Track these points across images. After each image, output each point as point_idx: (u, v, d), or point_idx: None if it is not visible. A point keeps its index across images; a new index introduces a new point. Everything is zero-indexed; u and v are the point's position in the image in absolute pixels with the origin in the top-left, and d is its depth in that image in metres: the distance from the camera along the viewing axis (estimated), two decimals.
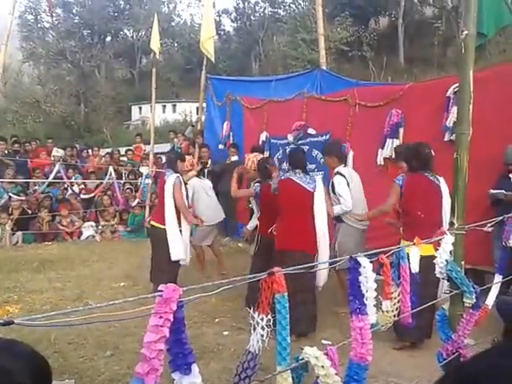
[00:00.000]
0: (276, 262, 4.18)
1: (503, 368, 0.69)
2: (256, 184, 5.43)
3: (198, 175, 6.59)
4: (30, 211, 8.74)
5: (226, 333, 4.42)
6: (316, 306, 4.46)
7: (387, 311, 2.49)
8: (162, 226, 5.43)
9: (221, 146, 8.72)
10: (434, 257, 2.67)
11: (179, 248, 5.39)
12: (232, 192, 5.69)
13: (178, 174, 5.54)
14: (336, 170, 5.03)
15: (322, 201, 4.53)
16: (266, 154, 7.72)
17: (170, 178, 5.46)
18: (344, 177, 4.93)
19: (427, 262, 2.81)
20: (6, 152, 9.51)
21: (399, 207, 4.34)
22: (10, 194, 8.72)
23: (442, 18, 28.71)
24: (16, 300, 5.24)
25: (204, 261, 6.46)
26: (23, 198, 8.82)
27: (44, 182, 9.41)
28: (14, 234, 8.34)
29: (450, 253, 2.58)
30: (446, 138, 5.36)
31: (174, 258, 5.36)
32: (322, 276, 4.43)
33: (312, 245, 4.45)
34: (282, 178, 4.70)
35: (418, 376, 3.41)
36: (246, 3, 41.98)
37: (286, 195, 4.55)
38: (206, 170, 7.68)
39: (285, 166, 7.57)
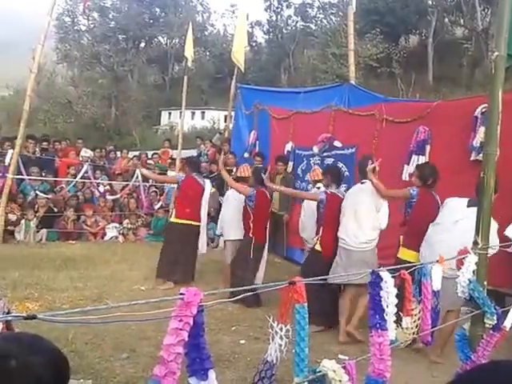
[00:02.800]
0: (324, 266, 4.72)
1: (502, 374, 0.73)
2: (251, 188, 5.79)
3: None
4: (55, 209, 8.90)
5: (242, 341, 4.39)
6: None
7: (407, 328, 2.46)
8: (197, 223, 6.25)
9: (246, 155, 8.79)
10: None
11: (204, 242, 6.47)
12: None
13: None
14: None
15: None
16: (291, 164, 7.76)
17: (207, 183, 6.55)
18: None
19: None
20: (36, 149, 9.71)
21: (406, 216, 4.62)
22: (37, 192, 8.89)
23: (471, 39, 28.64)
24: (36, 297, 5.29)
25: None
26: (49, 196, 8.99)
27: (71, 181, 9.58)
28: (38, 232, 8.48)
29: (473, 272, 2.54)
30: (472, 158, 5.32)
31: (202, 251, 6.35)
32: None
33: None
34: (329, 192, 5.06)
35: None
36: (279, 16, 42.59)
37: (334, 208, 4.92)
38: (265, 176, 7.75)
39: (308, 177, 7.61)
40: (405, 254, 4.49)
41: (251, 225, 5.63)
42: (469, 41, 28.43)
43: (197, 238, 6.29)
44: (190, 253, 6.23)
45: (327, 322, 4.75)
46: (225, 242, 6.35)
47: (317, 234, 5.14)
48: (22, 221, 8.41)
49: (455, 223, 4.14)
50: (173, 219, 6.48)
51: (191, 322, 1.55)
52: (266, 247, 5.92)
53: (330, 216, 4.96)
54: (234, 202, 6.07)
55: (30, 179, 8.96)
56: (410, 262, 3.61)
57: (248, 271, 5.55)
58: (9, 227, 8.24)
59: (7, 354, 0.93)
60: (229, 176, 6.25)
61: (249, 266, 5.59)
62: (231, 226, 6.08)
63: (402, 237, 4.60)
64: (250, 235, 5.64)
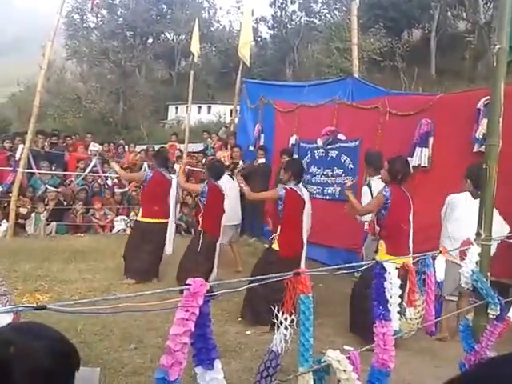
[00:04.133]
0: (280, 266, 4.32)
1: (505, 374, 0.72)
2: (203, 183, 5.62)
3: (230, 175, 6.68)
4: (65, 203, 8.99)
5: (248, 332, 4.44)
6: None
7: (411, 318, 2.49)
8: (165, 220, 6.06)
9: (251, 148, 8.82)
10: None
11: (171, 241, 6.17)
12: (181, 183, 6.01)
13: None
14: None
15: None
16: (295, 157, 7.78)
17: (174, 178, 6.26)
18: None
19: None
20: (46, 144, 9.81)
21: (381, 219, 4.28)
22: (47, 186, 9.00)
23: (474, 33, 28.58)
24: (46, 289, 5.37)
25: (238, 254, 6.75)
26: (59, 189, 9.09)
27: (80, 175, 9.67)
28: (48, 225, 8.58)
29: (476, 263, 2.56)
30: (475, 149, 5.36)
31: (168, 251, 6.09)
32: None
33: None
34: (288, 188, 4.73)
35: None
36: (284, 12, 42.56)
37: (293, 205, 4.68)
38: (236, 171, 7.78)
39: (312, 169, 7.61)
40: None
41: (200, 219, 5.47)
42: (471, 34, 28.41)
43: (164, 235, 6.07)
44: (156, 251, 6.00)
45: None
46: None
47: (274, 231, 4.91)
48: (33, 214, 8.51)
49: (472, 216, 4.23)
50: (139, 218, 6.17)
51: (197, 313, 1.57)
52: (219, 244, 5.65)
53: (288, 213, 4.67)
54: (230, 191, 6.21)
55: (40, 173, 9.07)
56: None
57: (197, 265, 5.33)
58: (19, 220, 8.34)
59: (7, 341, 0.95)
60: (183, 178, 6.06)
61: (197, 261, 5.39)
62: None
63: (381, 242, 4.25)
64: (199, 229, 5.49)
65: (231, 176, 6.62)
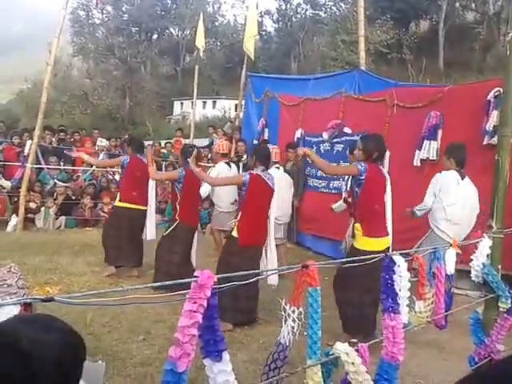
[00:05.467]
0: (241, 256, 4.29)
1: None
2: (181, 168, 5.40)
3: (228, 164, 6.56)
4: (73, 197, 9.07)
5: (254, 324, 4.45)
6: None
7: (420, 312, 2.47)
8: (144, 208, 5.87)
9: (255, 142, 8.80)
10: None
11: (153, 227, 5.97)
12: (150, 175, 5.56)
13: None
14: None
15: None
16: None
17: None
18: None
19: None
20: (53, 140, 9.87)
21: (355, 198, 4.00)
22: (55, 181, 9.10)
23: (483, 24, 28.24)
24: (56, 281, 5.41)
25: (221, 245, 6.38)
26: (68, 184, 9.17)
27: (88, 170, 9.73)
28: (57, 219, 8.68)
29: (487, 256, 2.53)
30: (485, 142, 5.28)
31: (150, 237, 5.85)
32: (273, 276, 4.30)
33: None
34: (254, 173, 4.44)
35: (446, 380, 3.34)
36: (288, 5, 42.27)
37: (256, 192, 4.42)
38: (241, 164, 7.78)
39: None
40: (370, 243, 3.84)
41: (177, 207, 5.26)
42: (480, 25, 28.07)
43: (143, 223, 5.89)
44: (135, 238, 5.84)
45: (235, 320, 4.29)
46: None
47: (174, 218, 4.75)
48: (42, 209, 8.60)
49: (467, 198, 4.49)
50: (117, 203, 5.99)
51: (205, 304, 1.57)
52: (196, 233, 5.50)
53: (250, 199, 4.40)
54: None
55: (48, 168, 9.15)
56: (377, 252, 3.30)
57: (174, 255, 5.17)
58: (29, 215, 8.42)
59: (19, 334, 0.94)
60: (153, 169, 5.64)
61: (174, 250, 5.19)
62: (226, 200, 6.22)
63: (357, 226, 3.96)
64: (176, 217, 5.26)
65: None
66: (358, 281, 3.77)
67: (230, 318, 4.19)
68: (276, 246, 5.09)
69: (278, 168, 6.18)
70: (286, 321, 2.06)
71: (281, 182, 6.03)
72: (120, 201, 5.92)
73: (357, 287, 3.82)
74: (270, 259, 4.53)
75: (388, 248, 3.85)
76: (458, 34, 29.56)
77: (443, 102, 5.82)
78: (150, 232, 5.89)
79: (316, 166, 4.08)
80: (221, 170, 6.31)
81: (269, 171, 5.30)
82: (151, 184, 5.93)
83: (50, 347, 0.95)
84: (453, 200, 4.47)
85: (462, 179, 4.55)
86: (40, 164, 8.98)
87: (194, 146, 5.98)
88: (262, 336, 4.09)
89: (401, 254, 2.36)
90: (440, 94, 5.90)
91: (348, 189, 5.05)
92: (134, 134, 18.54)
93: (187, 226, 5.28)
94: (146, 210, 5.90)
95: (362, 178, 3.84)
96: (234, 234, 4.45)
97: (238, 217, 4.47)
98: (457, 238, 4.30)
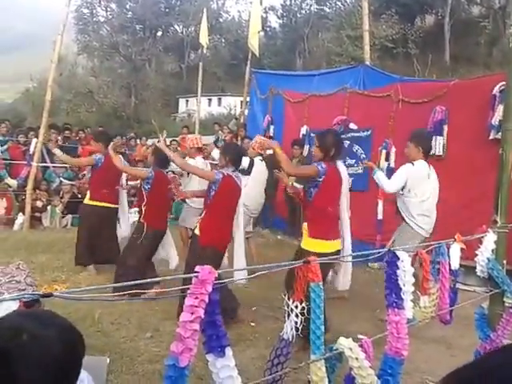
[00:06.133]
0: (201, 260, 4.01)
1: (498, 375, 0.71)
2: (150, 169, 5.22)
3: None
4: (79, 195, 9.09)
5: (262, 321, 4.45)
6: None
7: (425, 307, 2.46)
8: (115, 206, 5.83)
9: None
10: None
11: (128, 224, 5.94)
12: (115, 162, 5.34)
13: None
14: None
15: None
16: (306, 147, 7.72)
17: (125, 162, 6.07)
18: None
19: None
20: (59, 138, 9.91)
21: (309, 197, 3.84)
22: (61, 179, 9.16)
23: (488, 18, 27.88)
24: (63, 279, 5.46)
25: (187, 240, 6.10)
26: (73, 182, 9.21)
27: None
28: (64, 217, 8.74)
29: (492, 251, 2.51)
30: (491, 136, 5.26)
31: (125, 233, 5.74)
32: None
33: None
34: (225, 174, 4.26)
35: None
36: (293, 0, 42.00)
37: (225, 192, 4.27)
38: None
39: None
40: (315, 245, 3.72)
41: (143, 209, 5.05)
42: (486, 19, 27.73)
43: (114, 221, 5.77)
44: (109, 236, 5.73)
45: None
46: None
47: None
48: (48, 207, 8.66)
49: (435, 189, 4.54)
50: (87, 201, 5.84)
51: (206, 300, 1.58)
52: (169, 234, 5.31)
53: (218, 199, 4.23)
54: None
55: (54, 167, 9.20)
56: (326, 255, 3.27)
57: (138, 260, 4.98)
58: (36, 214, 8.47)
59: (19, 328, 0.95)
60: (121, 163, 5.45)
61: (138, 255, 4.98)
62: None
63: (304, 225, 3.85)
64: (142, 221, 5.03)
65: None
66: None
67: None
68: (246, 239, 5.09)
69: (262, 160, 6.00)
70: (288, 316, 2.06)
71: (261, 175, 6.00)
72: (91, 199, 5.80)
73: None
74: (238, 255, 4.43)
75: (338, 251, 3.77)
76: (463, 29, 29.33)
77: (449, 96, 5.81)
78: (124, 229, 5.80)
79: (281, 162, 3.86)
80: (199, 164, 5.91)
81: (254, 161, 5.37)
82: (122, 181, 5.95)
83: (47, 342, 0.96)
84: (428, 194, 4.47)
85: (430, 170, 4.55)
86: (46, 162, 9.02)
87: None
88: (270, 333, 4.08)
89: (404, 249, 2.35)
90: (445, 88, 5.90)
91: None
92: (140, 132, 18.55)
93: (154, 230, 5.06)
94: (117, 208, 5.82)
95: (319, 180, 3.73)
96: (196, 231, 4.31)
97: (202, 215, 4.32)
98: (430, 231, 4.48)
